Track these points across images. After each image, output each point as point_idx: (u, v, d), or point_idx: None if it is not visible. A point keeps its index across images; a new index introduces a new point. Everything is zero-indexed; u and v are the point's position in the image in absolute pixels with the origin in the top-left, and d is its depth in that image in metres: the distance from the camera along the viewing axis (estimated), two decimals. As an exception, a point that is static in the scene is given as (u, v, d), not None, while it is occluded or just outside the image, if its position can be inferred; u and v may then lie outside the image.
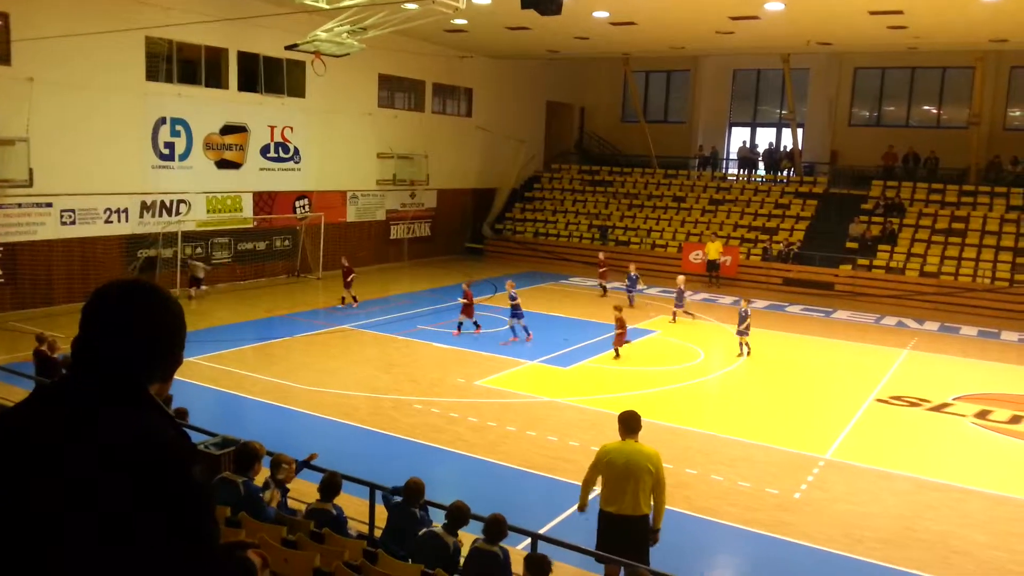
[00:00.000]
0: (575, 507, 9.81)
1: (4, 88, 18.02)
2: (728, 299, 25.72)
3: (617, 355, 17.16)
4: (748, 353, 18.18)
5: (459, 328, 18.70)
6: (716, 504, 10.21)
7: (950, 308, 24.77)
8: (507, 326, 18.41)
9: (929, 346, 20.24)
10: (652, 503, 7.36)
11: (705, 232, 30.46)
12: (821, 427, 13.51)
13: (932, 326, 22.88)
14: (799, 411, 14.54)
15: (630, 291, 22.98)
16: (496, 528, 6.65)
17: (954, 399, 15.46)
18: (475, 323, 18.70)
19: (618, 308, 17.57)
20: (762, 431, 13.16)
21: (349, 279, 21.37)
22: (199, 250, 22.74)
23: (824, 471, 11.56)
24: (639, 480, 7.24)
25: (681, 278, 22.28)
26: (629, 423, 7.53)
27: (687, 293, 22.17)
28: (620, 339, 17.17)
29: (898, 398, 15.43)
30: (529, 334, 18.31)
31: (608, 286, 25.08)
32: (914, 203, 29.12)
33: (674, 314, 21.63)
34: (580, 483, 7.94)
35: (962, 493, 11.01)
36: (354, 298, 21.33)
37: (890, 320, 23.50)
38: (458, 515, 6.84)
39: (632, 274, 23.26)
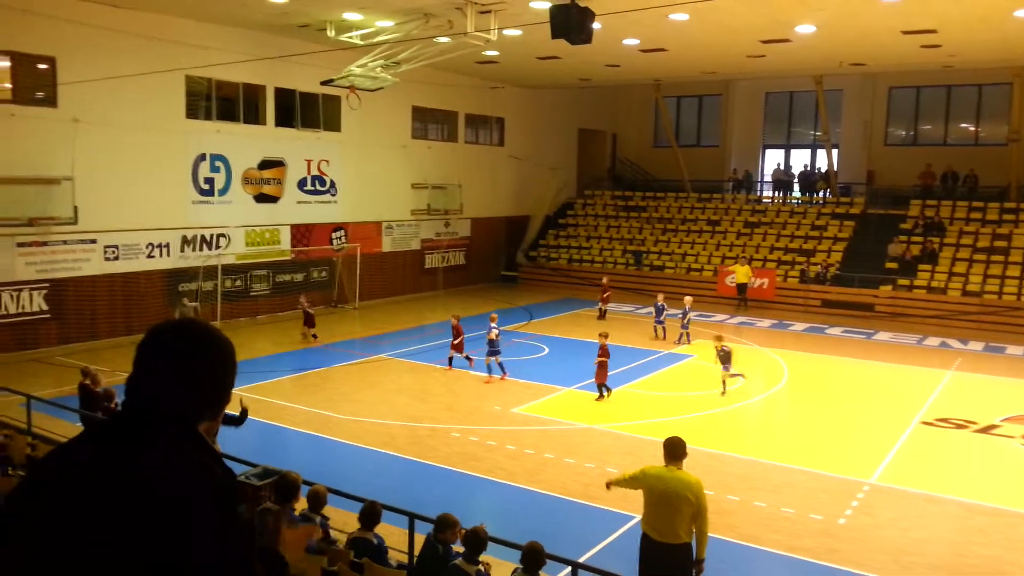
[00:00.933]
0: (613, 536, 9.74)
1: (51, 129, 18.58)
2: (766, 322, 25.47)
3: (601, 395, 15.77)
4: (685, 340, 20.72)
5: (450, 363, 17.91)
6: (760, 531, 10.06)
7: (994, 328, 24.25)
8: (485, 362, 17.25)
9: (974, 366, 19.82)
10: (694, 531, 7.26)
11: (733, 255, 30.20)
12: (865, 451, 13.26)
13: (976, 346, 22.42)
14: (842, 435, 14.29)
15: (659, 322, 22.04)
16: (533, 558, 6.60)
17: (1002, 420, 15.10)
18: (466, 357, 17.56)
19: (603, 335, 16.30)
20: (805, 456, 12.95)
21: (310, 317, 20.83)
22: (238, 283, 23.09)
23: (869, 496, 11.34)
24: (678, 509, 7.17)
25: (688, 299, 22.13)
26: (674, 450, 7.44)
27: (692, 313, 21.94)
28: (602, 372, 15.73)
29: (944, 420, 15.11)
30: (504, 373, 17.15)
31: (608, 309, 24.97)
32: (954, 222, 28.66)
33: (683, 335, 21.44)
34: (617, 510, 7.84)
35: (1014, 517, 10.72)
36: (314, 335, 20.61)
37: (933, 341, 23.06)
38: (475, 540, 6.79)
39: (659, 303, 22.31)
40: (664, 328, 22.04)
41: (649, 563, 7.40)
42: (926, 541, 9.90)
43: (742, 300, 27.65)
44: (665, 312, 22.16)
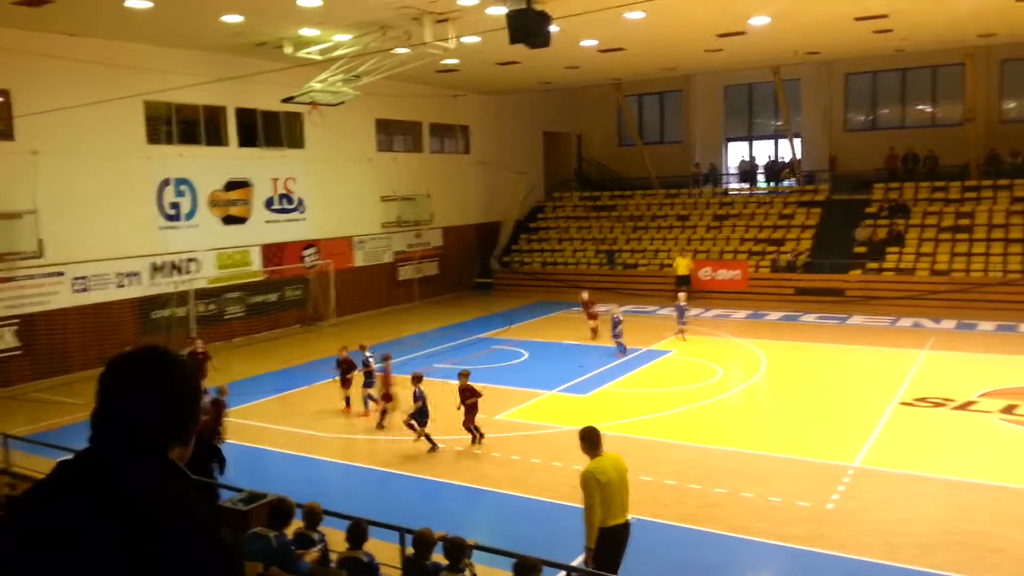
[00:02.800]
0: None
1: (9, 163, 18.29)
2: (741, 313, 25.68)
3: (475, 440, 13.49)
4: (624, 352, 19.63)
5: (347, 403, 15.96)
6: (749, 522, 10.12)
7: (965, 305, 24.63)
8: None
9: (948, 344, 20.13)
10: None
11: (704, 249, 30.49)
12: (847, 435, 13.41)
13: (949, 324, 22.77)
14: (823, 421, 14.44)
15: (682, 323, 21.68)
16: (526, 572, 6.51)
17: (979, 396, 15.34)
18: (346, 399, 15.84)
19: (464, 374, 13.92)
20: (788, 444, 13.07)
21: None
22: (212, 307, 22.87)
23: (855, 479, 11.46)
24: (626, 486, 7.66)
25: (682, 295, 22.28)
26: (596, 438, 7.73)
27: (688, 310, 22.11)
28: (471, 416, 13.50)
29: (922, 400, 15.32)
30: (367, 410, 15.68)
31: (597, 323, 22.14)
32: (917, 203, 29.10)
33: (680, 331, 21.59)
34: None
35: (995, 491, 10.89)
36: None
37: (906, 322, 23.39)
38: (454, 549, 6.78)
39: (681, 304, 21.88)
40: (684, 329, 21.66)
41: (612, 548, 7.57)
42: (912, 520, 10.02)
43: (686, 290, 27.96)
44: (687, 312, 21.94)
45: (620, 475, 7.58)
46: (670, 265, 30.45)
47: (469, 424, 13.44)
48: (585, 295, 23.19)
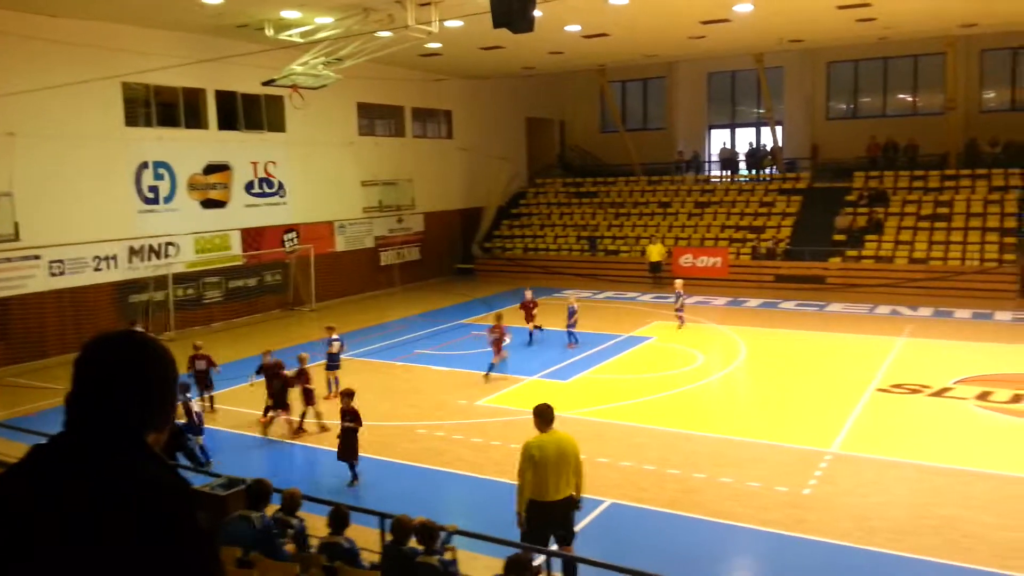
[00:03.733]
0: (584, 522, 9.81)
1: (-16, 144, 18.03)
2: (721, 300, 25.81)
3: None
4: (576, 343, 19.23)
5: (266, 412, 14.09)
6: (728, 506, 10.21)
7: (942, 293, 24.88)
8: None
9: (925, 332, 20.33)
10: (575, 482, 8.03)
11: (686, 236, 30.61)
12: (824, 421, 13.54)
13: (926, 312, 22.99)
14: (801, 407, 14.56)
15: (679, 310, 21.47)
16: (519, 570, 6.44)
17: (954, 383, 15.52)
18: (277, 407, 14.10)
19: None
20: (767, 429, 13.18)
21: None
22: (190, 291, 22.69)
23: (832, 465, 11.58)
24: (568, 465, 7.90)
25: (679, 281, 22.19)
26: (548, 415, 8.10)
27: (684, 297, 22.13)
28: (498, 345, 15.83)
29: (899, 386, 15.48)
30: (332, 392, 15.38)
31: (535, 327, 20.16)
32: (897, 192, 29.31)
33: (680, 319, 21.42)
34: (587, 496, 7.87)
35: (969, 476, 11.04)
36: None
37: (884, 309, 23.60)
38: (426, 532, 6.79)
39: (679, 291, 21.55)
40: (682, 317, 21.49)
41: (540, 521, 7.89)
42: (887, 505, 10.14)
43: (656, 277, 28.17)
44: (682, 299, 21.55)
45: (559, 455, 7.85)
46: (668, 252, 30.55)
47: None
48: (528, 293, 20.66)
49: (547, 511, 7.87)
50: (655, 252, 28.85)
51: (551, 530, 8.03)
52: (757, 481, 10.97)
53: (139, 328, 17.42)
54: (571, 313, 19.57)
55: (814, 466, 11.50)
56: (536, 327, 20.02)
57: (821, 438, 12.63)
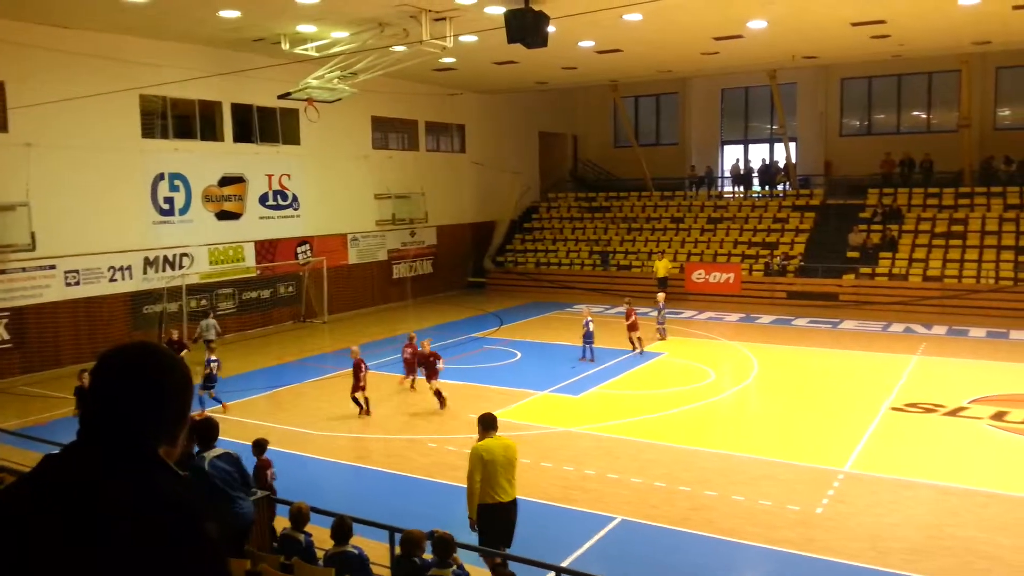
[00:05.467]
0: (594, 539, 9.77)
1: (3, 155, 18.21)
2: (734, 316, 25.72)
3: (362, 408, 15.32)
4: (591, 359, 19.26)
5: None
6: (738, 524, 10.13)
7: (957, 311, 24.72)
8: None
9: (939, 350, 20.18)
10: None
11: (698, 252, 30.57)
12: (837, 440, 13.44)
13: (940, 330, 22.83)
14: (814, 425, 14.47)
15: (660, 324, 21.84)
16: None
17: (969, 402, 15.39)
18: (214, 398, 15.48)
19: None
20: (779, 447, 13.09)
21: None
22: (204, 302, 22.79)
23: (844, 484, 11.48)
24: (513, 468, 8.35)
25: (661, 295, 22.53)
26: (492, 422, 8.52)
27: (665, 310, 22.23)
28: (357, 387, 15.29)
29: (913, 405, 15.36)
30: (223, 403, 15.68)
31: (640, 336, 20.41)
32: (911, 209, 29.19)
33: (660, 331, 21.73)
34: (597, 512, 7.87)
35: (984, 497, 10.92)
36: None
37: (897, 327, 23.45)
38: (443, 545, 6.79)
39: (661, 304, 22.09)
40: (664, 329, 21.91)
41: (493, 525, 8.21)
42: (901, 526, 10.04)
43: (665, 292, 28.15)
44: (663, 313, 22.01)
45: (507, 459, 8.25)
46: (677, 267, 30.50)
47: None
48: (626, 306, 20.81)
49: (500, 513, 8.22)
50: (662, 267, 28.85)
51: (500, 532, 8.27)
52: (768, 499, 10.89)
53: (175, 337, 17.96)
54: (587, 327, 19.52)
55: (827, 485, 11.41)
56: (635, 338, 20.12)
57: (834, 457, 12.53)
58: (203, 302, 22.75)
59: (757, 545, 9.60)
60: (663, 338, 21.67)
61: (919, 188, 29.98)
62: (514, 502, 8.39)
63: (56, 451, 1.93)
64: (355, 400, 15.43)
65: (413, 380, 17.16)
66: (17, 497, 1.86)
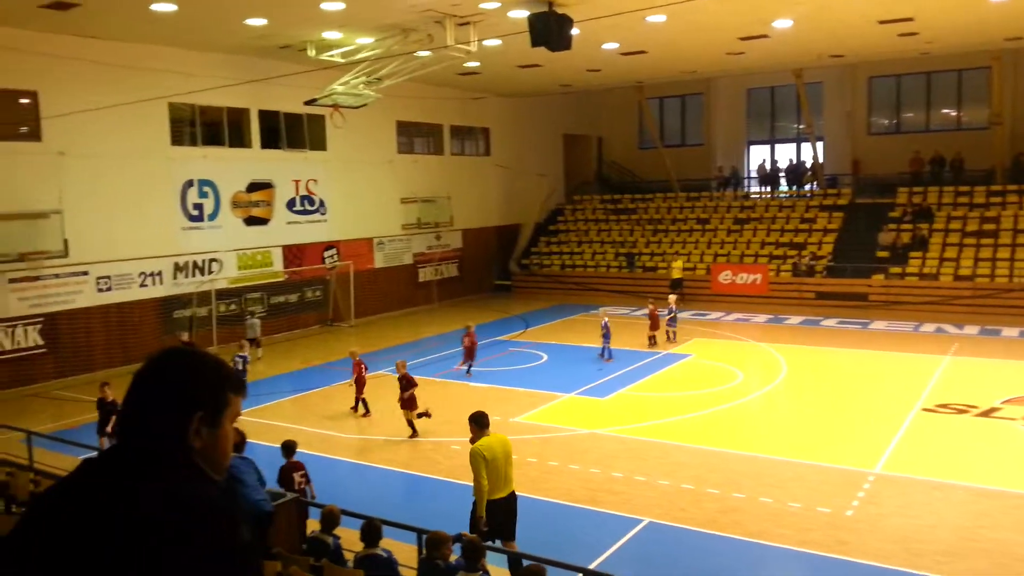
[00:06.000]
0: (621, 541, 9.76)
1: (36, 163, 18.54)
2: (761, 317, 25.53)
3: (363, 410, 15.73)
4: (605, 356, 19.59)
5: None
6: (768, 527, 10.06)
7: (989, 310, 24.35)
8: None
9: (971, 350, 19.90)
10: None
11: (725, 252, 30.40)
12: (868, 441, 13.30)
13: (972, 330, 22.51)
14: (844, 426, 14.33)
15: (671, 324, 21.80)
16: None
17: (1002, 403, 15.16)
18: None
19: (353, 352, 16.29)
20: (808, 449, 12.98)
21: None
22: (233, 307, 23.05)
23: (875, 485, 11.36)
24: (510, 462, 8.62)
25: (673, 297, 22.53)
26: (484, 420, 8.69)
27: (677, 312, 22.11)
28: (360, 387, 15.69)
29: (944, 406, 15.17)
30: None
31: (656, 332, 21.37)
32: (942, 207, 28.81)
33: (669, 333, 21.60)
34: (625, 514, 7.85)
35: (1018, 498, 10.76)
36: None
37: (928, 327, 23.16)
38: (472, 549, 6.80)
39: (672, 307, 22.00)
40: (675, 331, 21.91)
41: (496, 518, 8.42)
42: (934, 527, 9.92)
43: (679, 293, 27.92)
44: (675, 313, 21.97)
45: (505, 454, 8.51)
46: (691, 268, 30.36)
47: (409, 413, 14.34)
48: (651, 306, 21.69)
49: (499, 507, 8.44)
50: (676, 268, 29.00)
51: (500, 524, 8.50)
52: (798, 501, 10.80)
53: (185, 339, 18.70)
54: (605, 328, 19.96)
55: (857, 487, 11.29)
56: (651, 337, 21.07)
57: (864, 458, 12.40)
58: (232, 307, 23.01)
59: (787, 547, 9.52)
60: (672, 340, 21.50)
61: (949, 186, 29.59)
62: (513, 495, 8.62)
63: (91, 455, 1.96)
64: (363, 401, 15.85)
65: (469, 367, 18.52)
66: (53, 501, 1.89)
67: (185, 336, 19.66)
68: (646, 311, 21.87)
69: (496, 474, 8.37)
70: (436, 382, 18.23)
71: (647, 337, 21.37)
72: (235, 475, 7.28)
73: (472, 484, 8.51)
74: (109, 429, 12.77)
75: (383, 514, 8.53)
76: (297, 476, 9.55)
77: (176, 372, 1.97)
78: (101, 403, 13.43)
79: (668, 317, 21.73)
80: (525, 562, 6.96)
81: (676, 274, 28.61)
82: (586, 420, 14.93)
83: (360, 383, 15.87)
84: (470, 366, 18.64)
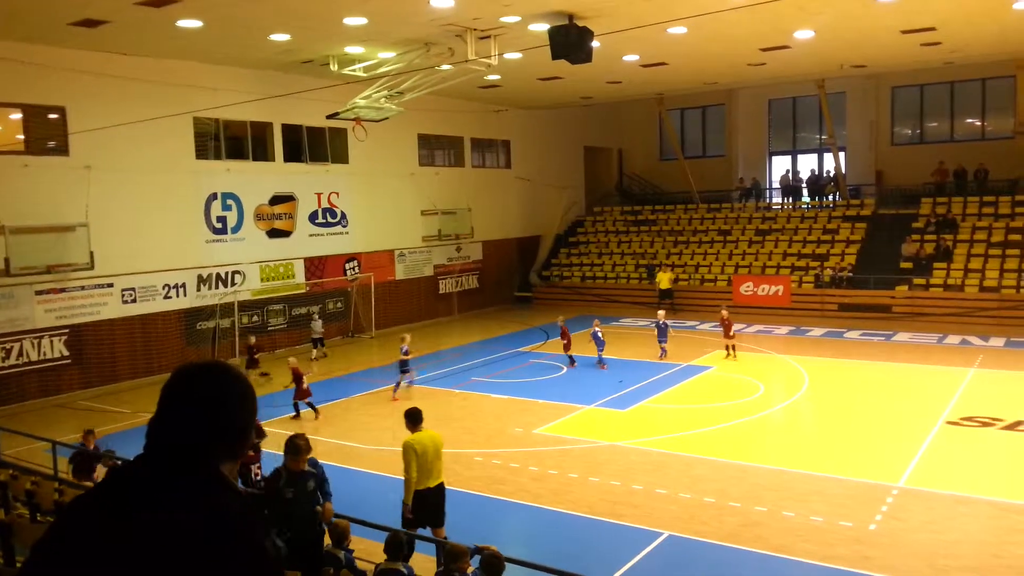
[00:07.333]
0: (641, 554, 9.71)
1: (64, 177, 18.85)
2: (783, 329, 25.35)
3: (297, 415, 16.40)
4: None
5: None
6: (790, 541, 9.97)
7: (1014, 322, 24.03)
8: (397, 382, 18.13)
9: (997, 363, 19.65)
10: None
11: (746, 264, 30.24)
12: (891, 454, 13.16)
13: (998, 342, 22.23)
14: (867, 439, 14.18)
15: (662, 340, 21.14)
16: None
17: (1029, 416, 14.94)
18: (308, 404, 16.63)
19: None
20: (830, 462, 12.86)
21: (255, 356, 20.20)
22: (255, 318, 23.26)
23: (899, 500, 11.24)
24: (440, 457, 9.34)
25: (661, 312, 22.11)
26: (418, 416, 9.40)
27: (667, 326, 21.45)
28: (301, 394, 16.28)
29: (969, 419, 14.98)
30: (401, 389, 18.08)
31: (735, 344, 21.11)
32: (966, 218, 28.53)
33: (729, 347, 20.99)
34: (645, 527, 7.82)
35: (1047, 514, 10.59)
36: (263, 374, 19.79)
37: (953, 339, 22.89)
38: (492, 563, 6.77)
39: (660, 322, 21.31)
40: (665, 347, 21.18)
41: (423, 507, 9.13)
42: (960, 543, 9.79)
43: (669, 304, 27.88)
44: (668, 331, 21.24)
45: (435, 448, 9.24)
46: (711, 280, 30.23)
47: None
48: (724, 312, 21.45)
49: (427, 497, 9.15)
50: (664, 279, 29.15)
51: (429, 514, 9.20)
52: (820, 516, 10.70)
53: (253, 342, 20.23)
54: (662, 330, 20.90)
55: (880, 501, 11.17)
56: (571, 355, 20.79)
57: (888, 472, 12.27)
58: (254, 318, 23.22)
59: (809, 562, 9.42)
60: (662, 358, 20.85)
61: (974, 196, 29.29)
62: (441, 486, 9.35)
63: (119, 464, 2.00)
64: (295, 406, 16.42)
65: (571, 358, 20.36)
66: (81, 510, 1.93)
67: (253, 339, 20.58)
68: (718, 322, 21.71)
69: (425, 467, 9.09)
70: (456, 393, 18.27)
71: (725, 347, 20.97)
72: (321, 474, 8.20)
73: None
74: (96, 478, 11.13)
75: (399, 525, 8.56)
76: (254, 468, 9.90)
77: (211, 388, 2.01)
78: (81, 453, 11.78)
79: (660, 332, 21.07)
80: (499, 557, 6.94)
81: (664, 285, 28.65)
82: (607, 432, 14.89)
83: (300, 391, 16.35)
84: (571, 356, 20.32)
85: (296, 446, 8.09)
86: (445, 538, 8.59)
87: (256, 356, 20.25)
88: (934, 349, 21.79)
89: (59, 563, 1.84)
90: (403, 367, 18.10)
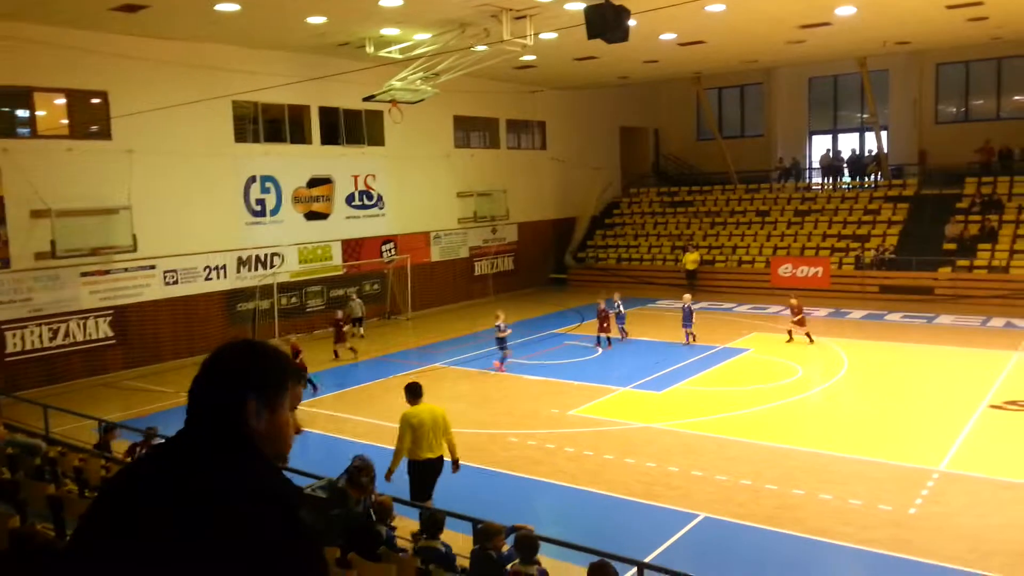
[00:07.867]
0: (676, 536, 9.72)
1: (107, 161, 19.18)
2: (823, 311, 25.05)
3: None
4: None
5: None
6: (829, 524, 9.91)
7: (1063, 305, 23.47)
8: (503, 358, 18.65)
9: (1043, 346, 19.24)
10: (445, 444, 9.95)
11: (785, 245, 29.87)
12: (932, 438, 12.98)
13: (1045, 325, 21.74)
14: (907, 423, 14.00)
15: (687, 325, 20.53)
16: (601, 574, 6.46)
17: (1076, 400, 14.63)
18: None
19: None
20: (870, 445, 12.72)
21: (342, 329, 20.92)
22: (294, 300, 23.54)
23: (939, 484, 11.09)
24: (439, 430, 9.77)
25: (688, 296, 21.31)
26: (418, 391, 9.94)
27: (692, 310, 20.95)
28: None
29: (1013, 403, 14.70)
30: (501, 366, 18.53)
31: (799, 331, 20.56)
32: (1012, 198, 27.85)
33: (688, 335, 20.45)
34: (680, 508, 7.82)
35: (1093, 500, 10.39)
36: (351, 349, 20.70)
37: (997, 321, 22.44)
38: (527, 543, 6.80)
39: (686, 305, 20.68)
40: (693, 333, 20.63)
41: (423, 476, 9.68)
42: (1005, 527, 9.64)
43: (692, 284, 27.73)
44: (693, 314, 20.72)
45: (433, 421, 9.69)
46: (749, 261, 29.93)
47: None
48: (794, 300, 20.85)
49: (426, 467, 9.67)
50: (690, 260, 28.93)
51: (430, 483, 9.70)
52: (859, 499, 10.61)
53: (339, 316, 21.04)
54: (687, 314, 20.46)
55: (921, 485, 11.04)
56: (608, 337, 20.85)
57: (929, 456, 12.11)
58: (293, 299, 23.51)
59: (848, 545, 9.37)
60: (688, 342, 20.38)
61: (1021, 176, 28.57)
62: (440, 458, 9.80)
63: (161, 440, 2.05)
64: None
65: (608, 339, 20.66)
66: (122, 484, 1.97)
67: (340, 314, 21.32)
68: (788, 307, 21.13)
69: (423, 439, 9.63)
70: (491, 375, 18.35)
71: (802, 334, 20.37)
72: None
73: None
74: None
75: (437, 504, 8.66)
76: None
77: (233, 358, 2.03)
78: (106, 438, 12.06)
79: (684, 316, 20.56)
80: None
81: (690, 266, 28.38)
82: (642, 414, 14.88)
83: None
84: (608, 338, 20.61)
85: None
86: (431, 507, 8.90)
87: (344, 329, 20.99)
88: (978, 332, 21.39)
89: (103, 534, 1.88)
90: (501, 344, 18.56)
